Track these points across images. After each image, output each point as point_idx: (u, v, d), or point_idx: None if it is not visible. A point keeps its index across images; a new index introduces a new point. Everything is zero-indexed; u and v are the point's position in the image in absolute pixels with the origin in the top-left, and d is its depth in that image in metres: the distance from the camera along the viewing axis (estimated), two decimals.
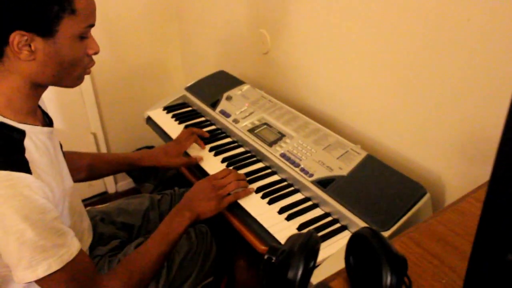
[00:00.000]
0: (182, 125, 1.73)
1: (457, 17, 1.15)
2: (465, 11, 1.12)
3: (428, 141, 1.35)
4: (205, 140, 1.61)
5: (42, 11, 0.92)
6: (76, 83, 1.09)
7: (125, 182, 2.79)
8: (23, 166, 0.94)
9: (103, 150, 2.60)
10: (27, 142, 0.99)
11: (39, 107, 1.13)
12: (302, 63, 1.75)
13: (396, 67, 1.37)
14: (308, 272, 0.64)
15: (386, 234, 1.15)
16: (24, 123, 1.01)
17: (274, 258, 0.65)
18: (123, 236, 1.47)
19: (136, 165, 1.55)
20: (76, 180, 1.30)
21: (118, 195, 2.74)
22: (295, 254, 0.63)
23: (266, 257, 0.65)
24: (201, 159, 1.52)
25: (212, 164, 1.50)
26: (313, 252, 0.66)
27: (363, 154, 1.39)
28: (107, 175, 1.61)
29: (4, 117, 0.98)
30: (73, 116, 2.40)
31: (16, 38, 0.92)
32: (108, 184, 2.72)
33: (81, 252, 1.00)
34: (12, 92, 0.99)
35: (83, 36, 1.01)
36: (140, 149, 2.70)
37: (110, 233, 1.45)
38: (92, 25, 1.03)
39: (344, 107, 1.62)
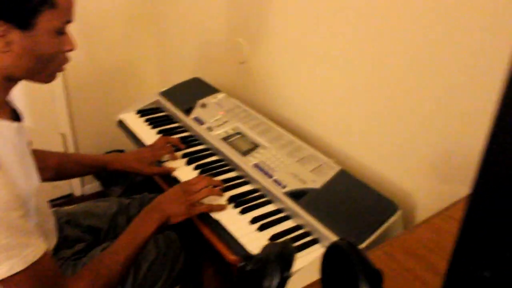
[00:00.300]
0: (155, 130, 1.71)
1: (432, 36, 1.17)
2: (447, 31, 1.14)
3: (401, 159, 1.37)
4: (179, 150, 1.58)
5: (21, 2, 0.90)
6: (49, 80, 1.07)
7: (92, 185, 2.73)
8: None
9: (72, 151, 2.54)
10: None
11: (9, 102, 1.10)
12: (278, 74, 1.75)
13: (372, 83, 1.38)
14: (283, 282, 0.64)
15: None
16: None
17: (248, 266, 0.64)
18: (89, 239, 1.44)
19: (106, 168, 1.51)
20: (42, 179, 1.27)
21: (84, 198, 2.68)
22: (271, 263, 0.62)
23: (240, 264, 0.64)
24: (174, 170, 1.49)
25: (185, 171, 1.49)
26: (289, 261, 0.65)
27: (337, 168, 1.39)
28: (75, 176, 1.58)
29: None
30: (41, 114, 2.35)
31: None
32: (75, 186, 2.66)
33: (46, 253, 0.97)
34: None
35: (61, 31, 0.99)
36: (110, 152, 2.66)
37: (75, 236, 1.41)
38: (70, 21, 1.01)
39: (319, 121, 1.62)
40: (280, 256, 0.64)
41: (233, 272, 1.45)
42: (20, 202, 0.95)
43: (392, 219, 1.23)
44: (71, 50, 1.05)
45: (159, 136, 1.65)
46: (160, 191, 1.37)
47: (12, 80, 1.01)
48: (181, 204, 1.26)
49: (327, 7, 1.44)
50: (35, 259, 0.92)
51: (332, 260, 0.67)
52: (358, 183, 1.35)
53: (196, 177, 1.37)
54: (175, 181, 1.47)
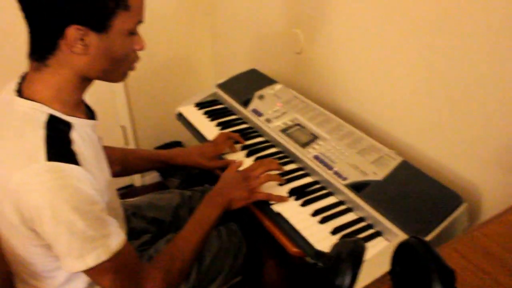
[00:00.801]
0: (214, 122, 1.73)
1: (499, 30, 1.13)
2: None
3: (466, 149, 1.33)
4: (250, 148, 1.58)
5: (99, 6, 0.93)
6: (122, 79, 1.11)
7: (152, 176, 2.80)
8: (71, 157, 0.95)
9: (131, 143, 2.61)
10: (73, 134, 1.00)
11: (83, 100, 1.14)
12: (336, 64, 1.74)
13: (436, 72, 1.34)
14: (354, 279, 0.64)
15: None
16: (71, 115, 1.02)
17: (320, 264, 0.64)
18: (154, 231, 1.48)
19: (170, 163, 1.55)
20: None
21: (144, 188, 2.76)
22: (343, 261, 0.62)
23: (311, 262, 0.65)
24: (240, 163, 1.48)
25: (245, 163, 1.48)
26: (360, 259, 0.65)
27: (398, 159, 1.37)
28: (140, 171, 1.63)
29: (52, 109, 0.99)
30: (103, 108, 2.38)
31: (73, 32, 0.93)
32: (135, 176, 2.74)
33: (126, 242, 1.03)
34: (61, 84, 1.00)
35: (132, 32, 1.02)
36: (168, 143, 2.72)
37: (141, 227, 1.46)
38: (141, 21, 1.04)
39: (379, 110, 1.60)
40: (351, 253, 0.64)
41: (294, 264, 1.46)
42: (100, 196, 0.99)
43: (457, 212, 1.20)
44: (141, 49, 1.08)
45: (218, 128, 1.67)
46: (216, 180, 1.39)
47: (87, 80, 1.06)
48: (241, 189, 1.30)
49: None
50: (118, 248, 0.99)
51: (402, 258, 0.66)
52: (420, 175, 1.32)
53: (255, 162, 1.39)
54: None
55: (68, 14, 0.92)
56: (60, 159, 0.92)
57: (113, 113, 2.48)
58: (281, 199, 1.31)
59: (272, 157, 1.52)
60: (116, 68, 1.05)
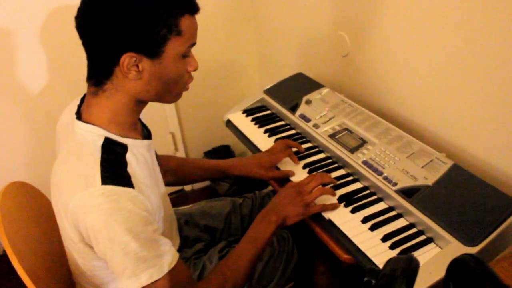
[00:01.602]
0: (262, 129, 1.75)
1: None
2: None
3: None
4: (298, 155, 1.57)
5: (151, 34, 0.96)
6: (175, 99, 1.14)
7: None
8: (126, 180, 0.99)
9: (181, 149, 2.67)
10: (129, 156, 1.04)
11: (139, 119, 1.18)
12: (382, 66, 1.73)
13: (488, 69, 1.31)
14: None
15: (474, 249, 1.12)
16: (126, 137, 1.06)
17: (374, 281, 0.65)
18: (207, 239, 1.51)
19: (227, 173, 1.55)
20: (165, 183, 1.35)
21: (194, 193, 2.81)
22: (397, 279, 0.63)
23: (365, 279, 0.66)
24: (294, 174, 1.49)
25: (294, 170, 1.51)
26: (414, 276, 0.66)
27: (449, 163, 1.35)
28: (196, 181, 1.64)
29: (109, 131, 1.03)
30: (153, 116, 2.45)
31: (126, 59, 0.97)
32: None
33: (179, 261, 1.05)
34: (117, 108, 1.04)
35: (185, 55, 1.05)
36: (216, 148, 2.76)
37: (194, 236, 1.49)
38: (194, 44, 1.07)
39: (428, 113, 1.58)
40: (406, 271, 0.64)
41: (345, 271, 1.47)
42: (154, 217, 1.03)
43: None
44: (194, 70, 1.11)
45: (266, 135, 1.69)
46: (266, 185, 1.39)
47: (142, 103, 1.10)
48: (296, 205, 1.27)
49: None
50: (170, 267, 1.01)
51: (456, 274, 0.67)
52: (472, 178, 1.30)
53: (308, 176, 1.37)
54: (287, 181, 1.49)
55: (122, 43, 0.96)
56: (115, 182, 0.96)
57: (163, 120, 2.54)
58: (334, 207, 1.31)
59: (321, 163, 1.53)
60: (170, 90, 1.08)
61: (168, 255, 1.02)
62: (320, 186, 1.33)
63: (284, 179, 1.50)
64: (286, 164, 1.54)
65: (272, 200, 1.31)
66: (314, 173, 1.45)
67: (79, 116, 1.06)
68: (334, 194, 1.35)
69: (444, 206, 1.24)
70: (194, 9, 1.03)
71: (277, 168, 1.53)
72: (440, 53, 1.45)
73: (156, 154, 1.26)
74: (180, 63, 1.05)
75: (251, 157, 1.56)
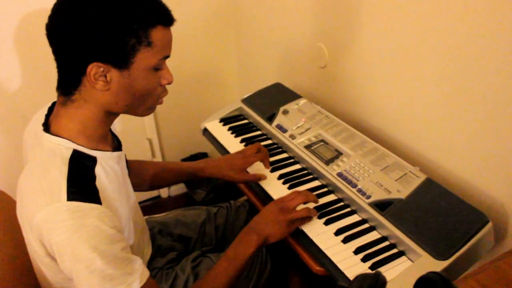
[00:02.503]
0: (238, 139, 1.75)
1: None
2: None
3: (491, 166, 1.32)
4: (274, 165, 1.57)
5: (120, 43, 0.94)
6: (148, 113, 1.12)
7: (178, 187, 2.84)
8: (93, 196, 0.97)
9: (158, 155, 2.65)
10: (98, 169, 1.02)
11: (110, 130, 1.16)
12: (360, 79, 1.74)
13: (462, 87, 1.33)
14: None
15: (444, 263, 1.14)
16: (95, 149, 1.04)
17: None
18: (180, 248, 1.50)
19: (199, 175, 1.53)
20: (138, 190, 1.33)
21: (170, 199, 2.80)
22: None
23: None
24: (265, 178, 1.49)
25: (269, 180, 1.51)
26: None
27: (422, 177, 1.37)
28: (168, 184, 1.61)
29: (77, 144, 1.01)
30: (130, 122, 2.46)
31: (93, 69, 0.95)
32: (162, 189, 2.78)
33: (149, 279, 1.03)
34: (86, 119, 1.02)
35: (158, 67, 1.03)
36: (194, 155, 2.75)
37: (167, 245, 1.48)
38: (167, 57, 1.05)
39: (403, 126, 1.60)
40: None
41: (319, 282, 1.47)
42: (122, 230, 1.01)
43: (482, 232, 1.19)
44: (168, 83, 1.09)
45: (242, 144, 1.69)
46: (241, 195, 1.38)
47: (113, 114, 1.08)
48: (278, 223, 1.24)
49: (414, 11, 1.42)
50: (139, 286, 0.99)
51: None
52: (445, 192, 1.31)
53: (292, 193, 1.34)
54: (258, 187, 1.50)
55: (89, 51, 0.94)
56: (81, 198, 0.94)
57: (141, 126, 2.52)
58: (313, 214, 1.30)
59: (296, 174, 1.53)
60: (141, 103, 1.06)
61: (137, 274, 1.00)
62: (303, 205, 1.31)
63: (254, 183, 1.51)
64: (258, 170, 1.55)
65: (255, 217, 1.29)
66: (298, 189, 1.44)
67: (47, 127, 1.04)
68: (316, 215, 1.33)
69: (416, 219, 1.25)
70: (167, 21, 1.01)
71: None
72: (417, 67, 1.47)
73: (127, 162, 1.24)
74: (151, 75, 1.02)
75: (223, 159, 1.54)
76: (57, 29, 0.96)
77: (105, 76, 0.97)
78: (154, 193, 2.78)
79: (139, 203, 1.34)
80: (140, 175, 1.43)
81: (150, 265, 1.35)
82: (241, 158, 1.51)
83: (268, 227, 1.24)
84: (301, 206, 1.31)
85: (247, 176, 1.50)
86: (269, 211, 1.27)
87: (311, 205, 1.36)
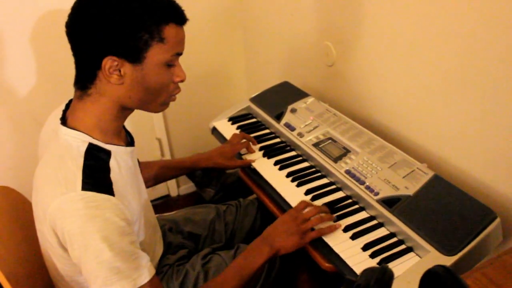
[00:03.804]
0: None
1: None
2: None
3: (499, 162, 1.32)
4: (283, 163, 1.60)
5: (133, 39, 0.98)
6: (161, 109, 1.14)
7: (187, 186, 2.86)
8: (107, 188, 0.99)
9: (167, 154, 2.67)
10: (112, 163, 1.05)
11: (123, 126, 1.19)
12: (367, 77, 1.75)
13: (470, 84, 1.34)
14: None
15: (452, 259, 1.14)
16: (110, 143, 1.07)
17: None
18: (190, 245, 1.52)
19: (195, 168, 1.65)
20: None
21: (180, 198, 2.82)
22: None
23: None
24: (254, 161, 1.61)
25: (278, 179, 1.52)
26: (388, 286, 0.67)
27: (430, 174, 1.37)
28: (169, 179, 1.72)
29: (93, 137, 1.04)
30: (140, 122, 2.48)
31: (108, 62, 0.98)
32: (171, 187, 2.80)
33: (154, 277, 1.05)
34: (101, 114, 1.05)
35: (170, 64, 1.06)
36: None
37: (178, 242, 1.50)
38: (180, 54, 1.07)
39: (411, 123, 1.60)
40: (379, 282, 0.66)
41: (327, 278, 1.48)
42: (133, 223, 1.03)
43: (490, 228, 1.20)
44: (181, 81, 1.11)
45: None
46: (251, 193, 1.40)
47: (127, 109, 1.10)
48: (292, 234, 1.24)
49: (423, 7, 1.42)
50: (144, 282, 1.01)
51: (428, 285, 0.68)
52: (452, 189, 1.32)
53: (301, 202, 1.34)
54: (267, 185, 1.51)
55: (104, 45, 0.98)
56: (95, 189, 0.96)
57: (150, 126, 2.54)
58: (332, 229, 1.28)
59: (304, 171, 1.54)
60: (154, 98, 1.09)
61: (143, 270, 1.01)
62: (318, 213, 1.30)
63: (256, 173, 1.58)
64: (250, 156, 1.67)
65: (268, 228, 1.28)
66: (308, 186, 1.46)
67: (64, 121, 1.07)
68: (332, 219, 1.32)
69: (424, 216, 1.26)
70: (179, 19, 1.04)
71: (239, 157, 1.66)
72: (424, 65, 1.47)
73: (138, 161, 1.26)
74: (163, 71, 1.05)
75: (213, 150, 1.67)
76: (75, 25, 1.00)
77: (119, 70, 1.00)
78: (164, 192, 2.80)
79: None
80: (145, 174, 1.45)
81: (160, 262, 1.37)
82: (229, 146, 1.65)
83: (280, 239, 1.24)
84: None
85: (238, 162, 1.62)
86: (283, 222, 1.27)
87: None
